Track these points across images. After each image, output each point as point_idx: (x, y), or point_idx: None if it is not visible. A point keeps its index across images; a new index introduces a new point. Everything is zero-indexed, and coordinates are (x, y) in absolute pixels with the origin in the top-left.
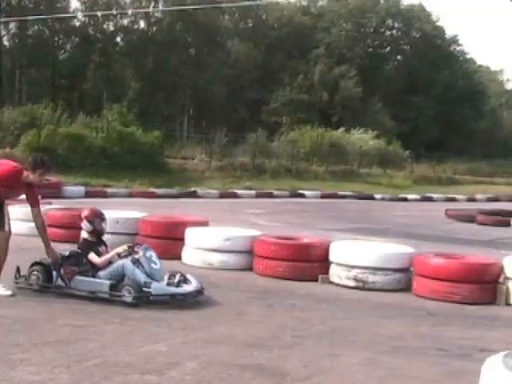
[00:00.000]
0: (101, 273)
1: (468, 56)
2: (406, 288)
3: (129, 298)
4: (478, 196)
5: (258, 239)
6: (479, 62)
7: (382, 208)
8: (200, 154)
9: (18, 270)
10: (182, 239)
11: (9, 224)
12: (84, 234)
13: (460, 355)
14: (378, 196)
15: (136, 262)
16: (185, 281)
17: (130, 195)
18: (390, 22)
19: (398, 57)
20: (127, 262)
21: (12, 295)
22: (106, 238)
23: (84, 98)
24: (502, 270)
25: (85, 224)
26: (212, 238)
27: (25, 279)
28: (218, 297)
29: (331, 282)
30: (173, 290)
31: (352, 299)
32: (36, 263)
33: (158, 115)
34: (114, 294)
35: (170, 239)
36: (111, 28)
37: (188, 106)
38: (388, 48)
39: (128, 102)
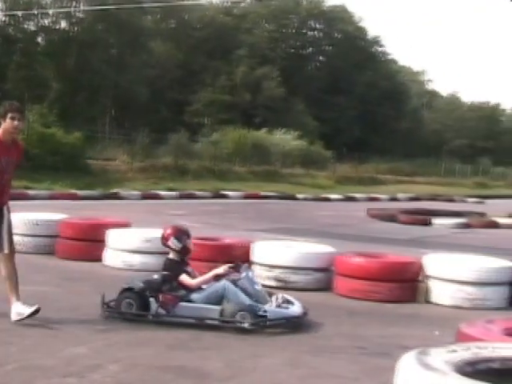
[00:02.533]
0: (194, 296)
1: (390, 57)
2: (328, 287)
3: (245, 325)
4: (400, 195)
5: None
6: (401, 62)
7: (304, 208)
8: (122, 155)
9: (103, 297)
10: (102, 241)
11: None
12: (170, 255)
13: (379, 353)
14: (300, 196)
15: (235, 284)
16: (287, 301)
17: (52, 197)
18: (311, 22)
19: (320, 57)
20: (228, 283)
21: (36, 311)
22: (26, 240)
23: (4, 99)
24: (421, 268)
25: (172, 242)
26: (132, 240)
27: (107, 306)
28: None
29: None
30: (286, 312)
31: None
32: (127, 289)
33: (80, 116)
34: (228, 321)
35: (90, 241)
36: (32, 28)
37: (110, 107)
38: (310, 49)
39: (49, 102)
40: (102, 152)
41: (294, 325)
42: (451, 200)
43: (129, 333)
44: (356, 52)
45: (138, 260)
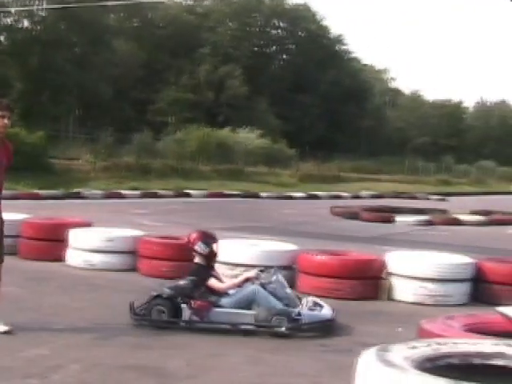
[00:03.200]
0: (224, 301)
1: (353, 55)
2: (291, 285)
3: (282, 329)
4: (363, 193)
5: (142, 239)
6: (364, 61)
7: (268, 206)
8: (85, 154)
9: (132, 305)
10: (64, 241)
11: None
12: (196, 259)
13: (341, 350)
14: (264, 194)
15: (265, 288)
16: (316, 304)
17: (14, 197)
18: (275, 21)
19: (284, 56)
20: (258, 287)
21: (7, 332)
22: None
23: None
24: (384, 265)
25: (199, 247)
26: (94, 239)
27: (134, 314)
28: (102, 298)
29: None
30: (320, 315)
31: None
32: (157, 296)
33: (44, 115)
34: (264, 326)
35: (52, 241)
36: None
37: (74, 106)
38: (274, 47)
39: (12, 102)
40: (65, 151)
41: (327, 328)
42: (414, 197)
43: (90, 333)
44: (319, 50)
45: (99, 259)
